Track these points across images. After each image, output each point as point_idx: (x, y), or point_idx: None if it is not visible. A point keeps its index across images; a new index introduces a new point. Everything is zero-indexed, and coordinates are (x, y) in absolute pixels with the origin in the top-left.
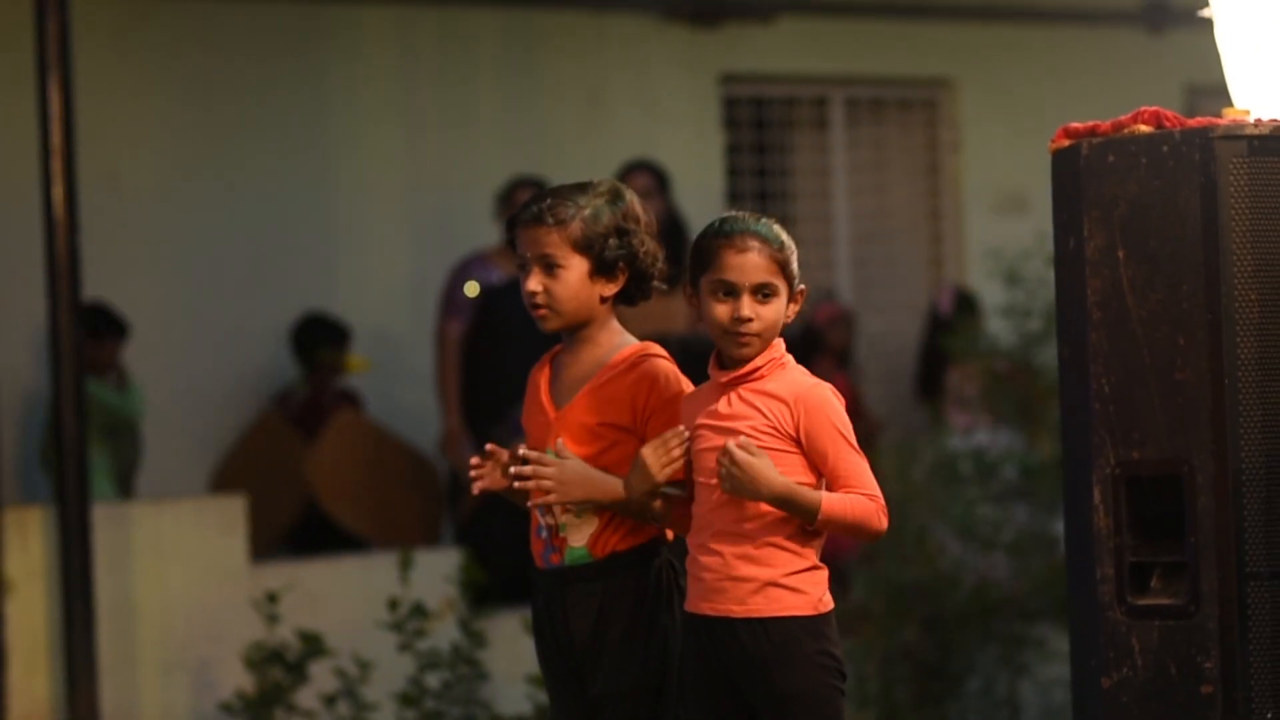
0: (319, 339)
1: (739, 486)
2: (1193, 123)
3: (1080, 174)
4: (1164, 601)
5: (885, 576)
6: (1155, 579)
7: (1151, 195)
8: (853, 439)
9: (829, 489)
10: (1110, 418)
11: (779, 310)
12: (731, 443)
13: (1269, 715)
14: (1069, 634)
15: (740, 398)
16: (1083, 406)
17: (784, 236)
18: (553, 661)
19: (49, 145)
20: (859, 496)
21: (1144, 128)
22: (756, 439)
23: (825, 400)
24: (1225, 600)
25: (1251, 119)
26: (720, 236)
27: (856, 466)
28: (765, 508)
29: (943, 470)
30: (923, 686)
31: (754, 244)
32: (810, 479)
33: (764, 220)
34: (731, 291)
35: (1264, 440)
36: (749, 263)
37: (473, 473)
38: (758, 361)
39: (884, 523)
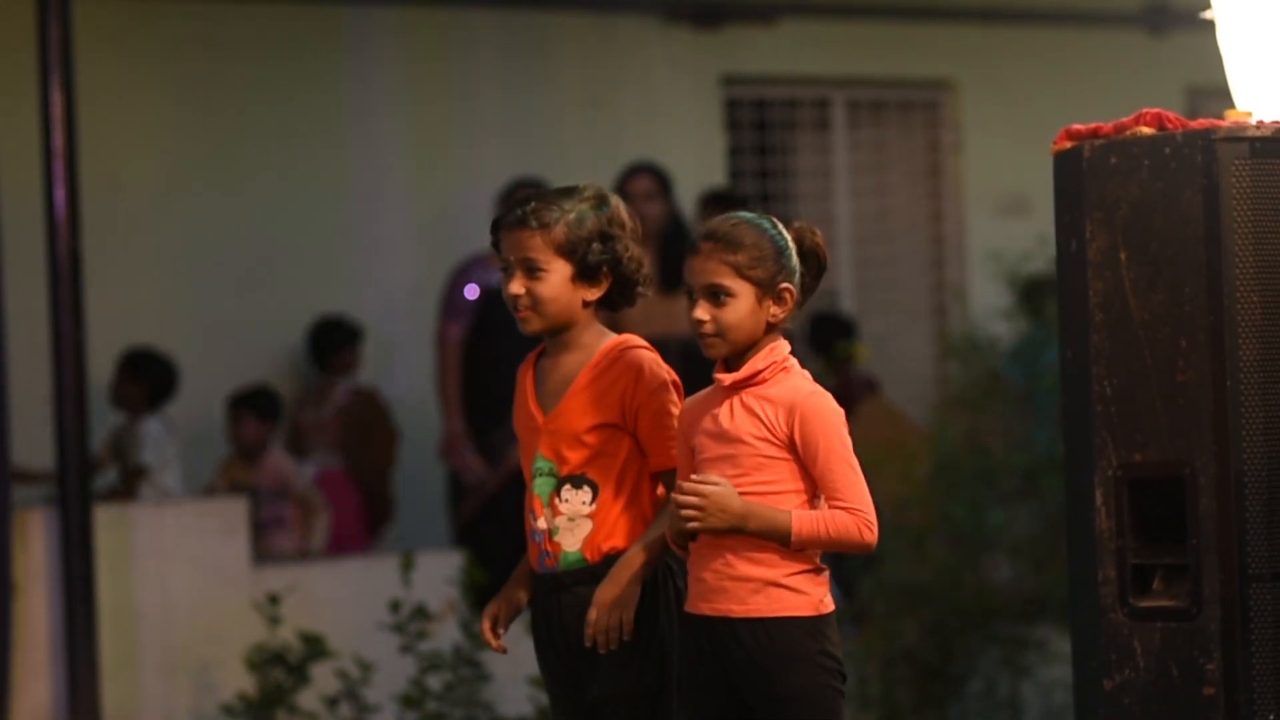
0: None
1: (706, 519)
2: (1195, 125)
3: (1082, 176)
4: (1166, 603)
5: (887, 578)
6: (1157, 581)
7: (1153, 197)
8: (847, 449)
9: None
10: (1112, 419)
11: (739, 312)
12: (684, 483)
13: (1270, 717)
14: (1071, 636)
15: (741, 403)
16: (1085, 408)
17: (748, 238)
18: (551, 665)
19: (51, 148)
20: (837, 512)
21: (1146, 130)
22: (753, 447)
23: (821, 407)
24: (1227, 602)
25: (1253, 121)
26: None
27: (846, 477)
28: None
29: (945, 471)
30: (924, 688)
31: (705, 246)
32: (800, 486)
33: (742, 219)
34: (691, 294)
35: (1266, 442)
36: (697, 265)
37: None
38: (759, 365)
39: (870, 536)
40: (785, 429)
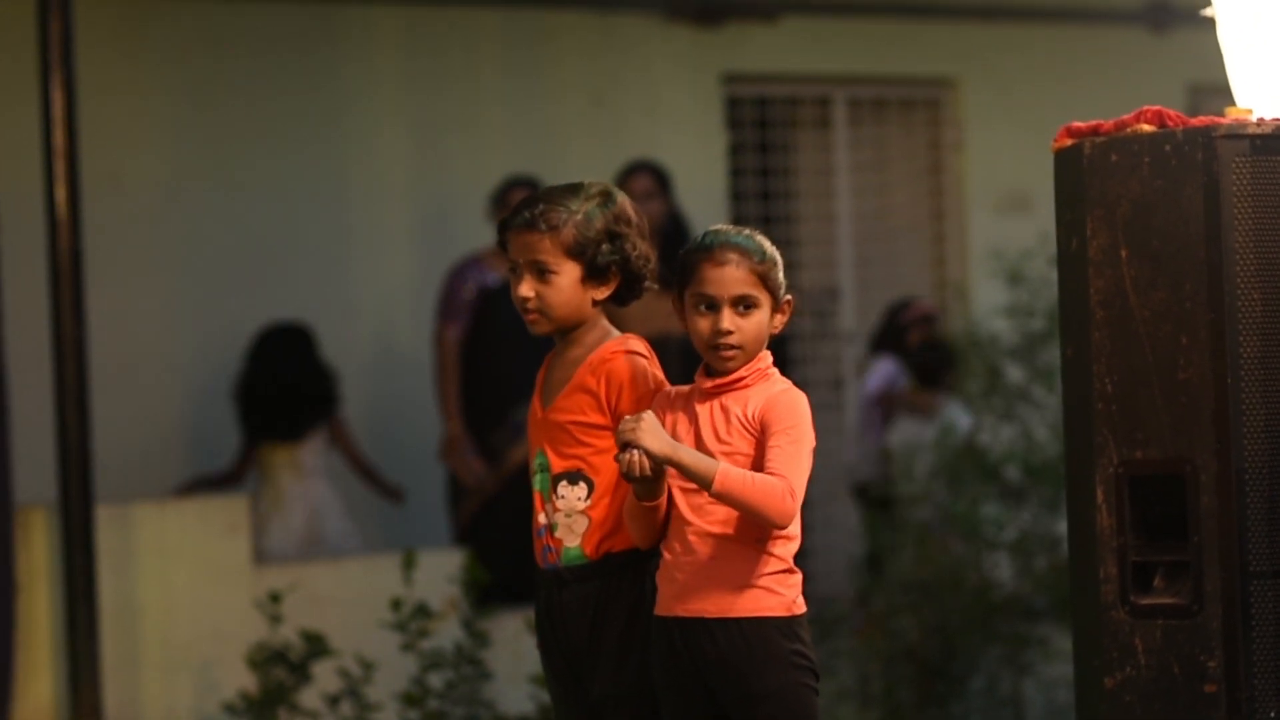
0: None
1: (642, 434)
2: (1195, 122)
3: (1083, 173)
4: (1167, 601)
5: (889, 577)
6: (1158, 578)
7: (1154, 194)
8: (800, 434)
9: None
10: (1113, 417)
11: (761, 322)
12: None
13: (1272, 714)
14: (1072, 633)
15: (720, 406)
16: (1086, 406)
17: (767, 248)
18: (554, 663)
19: (51, 146)
20: (766, 477)
21: (1147, 127)
22: (729, 445)
23: (789, 399)
24: (1228, 599)
25: (1254, 118)
26: (700, 250)
27: (786, 453)
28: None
29: (945, 469)
30: (926, 686)
31: (732, 257)
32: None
33: (746, 232)
34: (712, 305)
35: (1267, 439)
36: (727, 276)
37: None
38: (742, 372)
39: (790, 505)
40: (758, 421)
